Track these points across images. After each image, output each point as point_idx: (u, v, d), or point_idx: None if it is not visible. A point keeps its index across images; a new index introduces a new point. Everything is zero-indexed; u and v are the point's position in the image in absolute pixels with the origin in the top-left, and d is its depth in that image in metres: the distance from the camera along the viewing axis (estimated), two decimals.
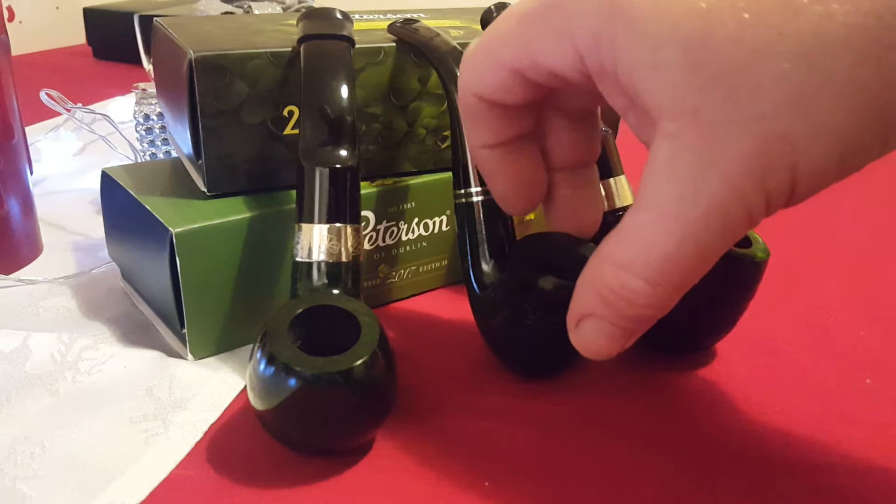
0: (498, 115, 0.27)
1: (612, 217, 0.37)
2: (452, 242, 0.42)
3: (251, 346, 0.29)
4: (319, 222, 0.31)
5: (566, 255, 0.33)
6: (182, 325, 0.34)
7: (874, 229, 0.53)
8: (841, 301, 0.42)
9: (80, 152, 0.63)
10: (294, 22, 0.38)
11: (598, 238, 0.37)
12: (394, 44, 0.38)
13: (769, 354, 0.37)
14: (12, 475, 0.28)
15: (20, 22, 1.11)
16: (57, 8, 1.19)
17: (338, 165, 0.31)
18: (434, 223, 0.41)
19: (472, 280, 0.34)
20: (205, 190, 0.36)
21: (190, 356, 0.35)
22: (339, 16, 0.36)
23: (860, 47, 0.19)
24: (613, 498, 0.28)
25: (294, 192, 0.32)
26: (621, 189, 0.37)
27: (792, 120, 0.20)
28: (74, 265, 0.44)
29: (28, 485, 0.27)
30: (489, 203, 0.34)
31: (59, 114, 0.56)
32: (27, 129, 0.63)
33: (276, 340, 0.27)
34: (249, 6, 0.77)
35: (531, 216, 0.45)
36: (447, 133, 0.40)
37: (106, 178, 0.39)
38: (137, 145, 0.52)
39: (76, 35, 1.17)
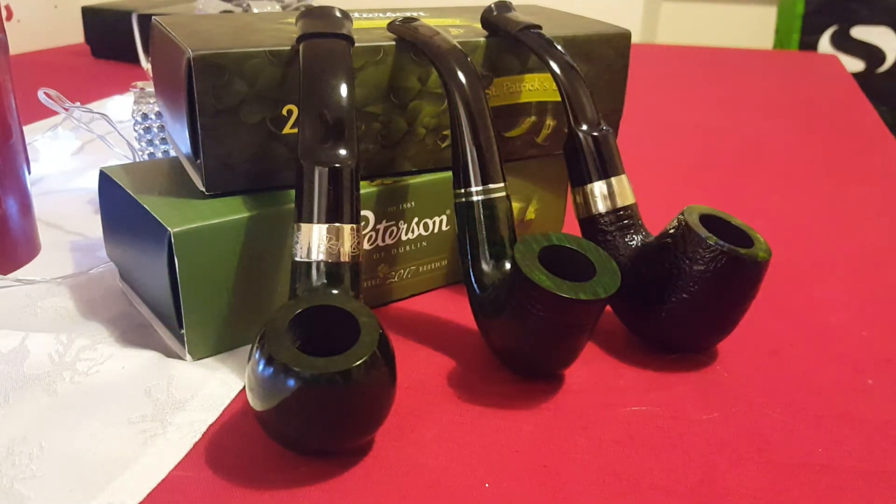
0: None
1: (614, 216, 0.37)
2: (452, 242, 0.42)
3: (250, 346, 0.29)
4: (318, 222, 0.31)
5: (566, 255, 0.33)
6: (180, 326, 0.34)
7: (875, 230, 0.52)
8: (842, 301, 0.42)
9: (78, 151, 0.63)
10: (293, 20, 0.37)
11: (596, 237, 0.37)
12: (393, 42, 0.38)
13: (770, 354, 0.37)
14: (10, 476, 0.28)
15: (18, 21, 1.11)
16: (55, 7, 1.19)
17: (337, 165, 0.31)
18: (434, 223, 0.40)
19: (472, 280, 0.34)
20: (203, 189, 0.36)
21: (188, 356, 0.35)
22: (338, 14, 0.36)
23: None
24: (613, 498, 0.28)
25: (293, 192, 0.32)
26: (622, 188, 0.37)
27: None
28: (72, 265, 0.44)
29: (26, 485, 0.27)
30: (489, 203, 0.34)
31: (57, 113, 0.56)
32: (25, 128, 0.63)
33: (275, 341, 0.27)
34: (248, 5, 0.77)
35: (531, 216, 0.45)
36: (447, 132, 0.40)
37: (104, 177, 0.39)
38: (136, 144, 0.52)
39: (74, 34, 1.17)
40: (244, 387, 0.33)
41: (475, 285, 0.34)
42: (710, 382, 0.35)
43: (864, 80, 1.47)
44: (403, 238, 0.40)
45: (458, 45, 0.36)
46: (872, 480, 0.29)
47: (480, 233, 0.34)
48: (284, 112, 0.36)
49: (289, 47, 0.35)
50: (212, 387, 0.33)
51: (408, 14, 0.42)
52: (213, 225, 0.33)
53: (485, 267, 0.34)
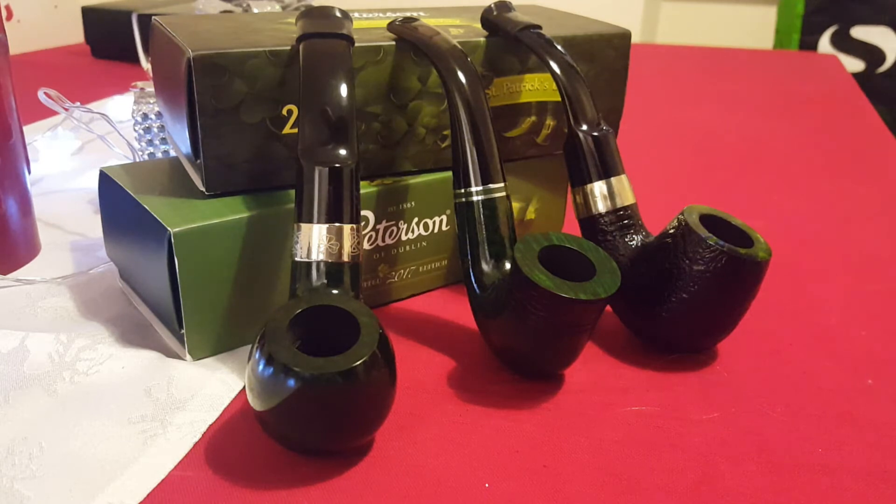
0: None
1: (614, 216, 0.37)
2: (452, 242, 0.42)
3: (250, 346, 0.29)
4: (319, 222, 0.31)
5: (566, 255, 0.33)
6: (180, 326, 0.34)
7: (875, 229, 0.52)
8: (842, 301, 0.42)
9: (78, 151, 0.63)
10: (293, 20, 0.37)
11: (596, 237, 0.37)
12: (393, 42, 0.38)
13: (770, 354, 0.37)
14: (10, 476, 0.28)
15: (18, 21, 1.11)
16: (55, 7, 1.19)
17: (337, 165, 0.31)
18: (434, 223, 0.40)
19: (472, 280, 0.34)
20: (203, 189, 0.36)
21: (188, 357, 0.35)
22: (338, 14, 0.36)
23: None
24: (613, 498, 0.28)
25: (293, 192, 0.32)
26: (622, 188, 0.37)
27: None
28: (72, 265, 0.44)
29: (26, 485, 0.27)
30: (489, 203, 0.34)
31: (57, 113, 0.56)
32: (25, 128, 0.63)
33: (275, 341, 0.27)
34: (248, 5, 0.77)
35: (531, 216, 0.45)
36: (447, 132, 0.40)
37: (104, 177, 0.39)
38: (136, 144, 0.52)
39: (74, 34, 1.17)
40: (244, 387, 0.33)
41: (475, 285, 0.34)
42: (710, 382, 0.35)
43: (864, 80, 1.47)
44: (403, 238, 0.40)
45: (458, 45, 0.36)
46: (872, 480, 0.29)
47: (480, 233, 0.34)
48: (284, 112, 0.36)
49: (289, 47, 0.35)
50: (212, 387, 0.33)
51: (408, 14, 0.42)
52: (213, 225, 0.33)
53: (485, 267, 0.34)
